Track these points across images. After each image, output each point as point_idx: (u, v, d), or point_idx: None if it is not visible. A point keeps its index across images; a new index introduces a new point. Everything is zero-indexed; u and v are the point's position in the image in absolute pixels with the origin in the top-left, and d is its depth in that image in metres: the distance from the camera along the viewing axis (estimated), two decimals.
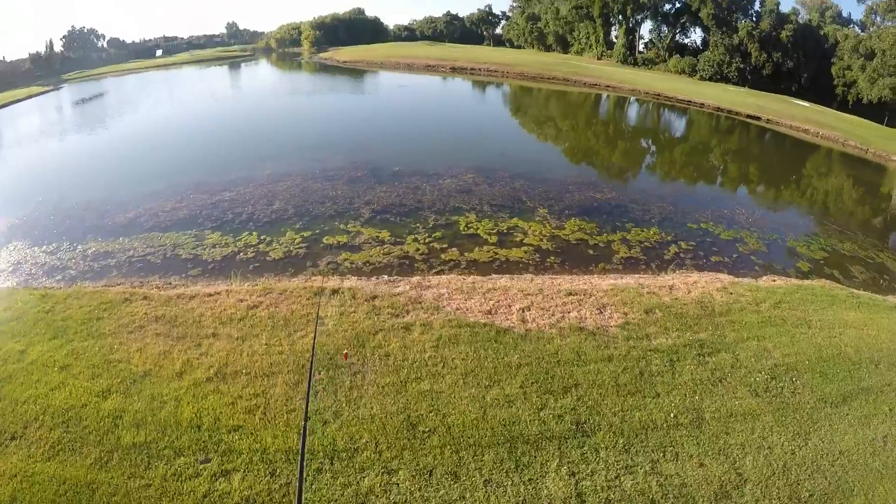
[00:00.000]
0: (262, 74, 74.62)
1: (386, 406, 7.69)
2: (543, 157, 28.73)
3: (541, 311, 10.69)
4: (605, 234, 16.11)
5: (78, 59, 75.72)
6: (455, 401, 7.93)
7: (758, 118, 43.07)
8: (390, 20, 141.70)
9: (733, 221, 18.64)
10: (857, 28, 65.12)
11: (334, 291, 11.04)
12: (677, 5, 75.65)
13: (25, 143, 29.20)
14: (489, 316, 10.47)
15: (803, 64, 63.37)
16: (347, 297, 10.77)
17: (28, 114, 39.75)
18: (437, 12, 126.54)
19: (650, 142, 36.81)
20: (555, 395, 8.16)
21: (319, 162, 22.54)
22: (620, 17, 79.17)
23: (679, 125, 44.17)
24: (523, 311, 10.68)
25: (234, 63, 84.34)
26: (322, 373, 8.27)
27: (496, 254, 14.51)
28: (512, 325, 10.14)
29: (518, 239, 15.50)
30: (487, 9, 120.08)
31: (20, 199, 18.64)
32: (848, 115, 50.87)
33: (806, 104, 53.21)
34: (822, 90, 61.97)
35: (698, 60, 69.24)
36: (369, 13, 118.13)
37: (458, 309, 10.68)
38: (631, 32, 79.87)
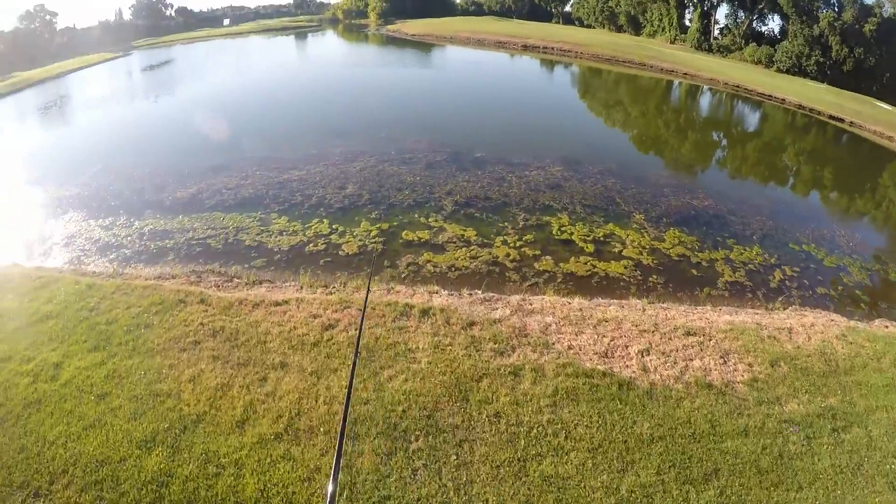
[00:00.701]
0: (329, 45, 72.91)
1: (504, 498, 5.74)
2: (630, 150, 25.97)
3: (662, 357, 8.77)
4: (706, 251, 13.94)
5: (146, 26, 76.58)
6: (586, 493, 5.97)
7: (841, 119, 37.98)
8: None
9: (835, 245, 15.86)
10: None
11: (424, 312, 9.10)
12: None
13: (91, 108, 28.70)
14: (606, 360, 8.50)
15: (886, 62, 56.97)
16: (440, 322, 8.82)
17: (97, 79, 39.65)
18: None
19: (737, 140, 32.85)
20: (696, 487, 6.31)
21: (394, 142, 20.66)
22: None
23: (762, 122, 39.89)
24: (642, 356, 8.76)
25: (300, 33, 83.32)
26: (420, 439, 6.34)
27: (594, 266, 12.55)
28: (633, 374, 8.21)
29: (616, 250, 13.51)
30: None
31: (81, 165, 17.70)
32: None
33: (889, 107, 47.57)
34: None
35: (776, 50, 62.93)
36: None
37: (569, 348, 8.70)
38: (706, 16, 73.70)
